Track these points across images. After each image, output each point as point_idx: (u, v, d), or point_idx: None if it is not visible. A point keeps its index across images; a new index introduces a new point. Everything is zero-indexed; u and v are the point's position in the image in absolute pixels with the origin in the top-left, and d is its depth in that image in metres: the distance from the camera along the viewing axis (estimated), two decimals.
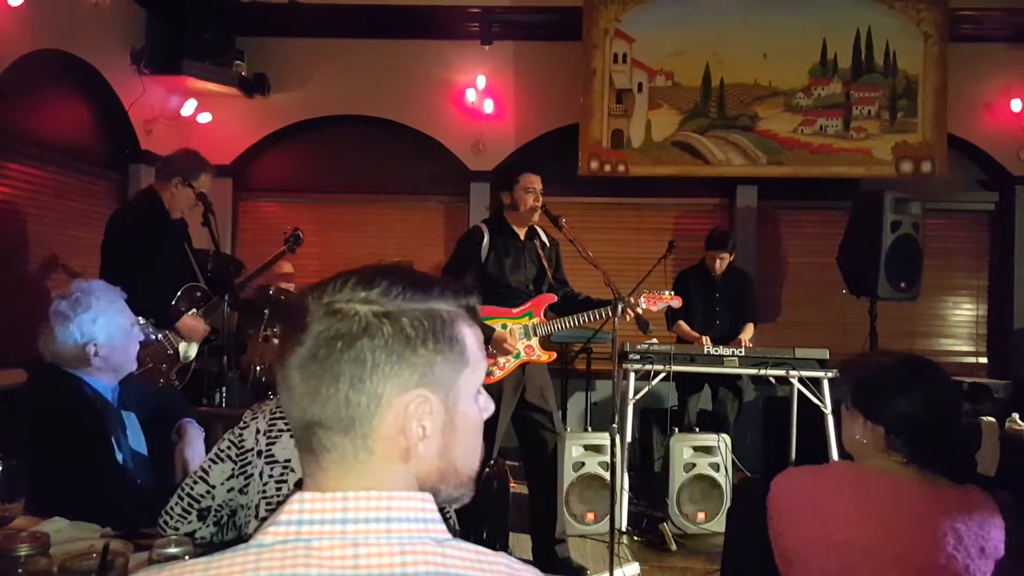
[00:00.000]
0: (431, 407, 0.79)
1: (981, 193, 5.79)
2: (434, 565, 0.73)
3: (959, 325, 5.87)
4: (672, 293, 3.49)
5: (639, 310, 3.28)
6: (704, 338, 4.53)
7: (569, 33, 5.49)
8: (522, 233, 3.44)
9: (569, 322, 3.37)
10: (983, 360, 5.83)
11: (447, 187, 5.89)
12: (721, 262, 4.73)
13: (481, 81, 5.65)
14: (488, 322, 3.29)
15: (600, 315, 3.33)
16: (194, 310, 3.48)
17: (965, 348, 5.87)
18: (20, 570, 1.27)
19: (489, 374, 3.27)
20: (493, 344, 3.26)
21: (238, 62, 5.40)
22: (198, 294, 3.56)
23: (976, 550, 1.46)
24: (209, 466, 1.64)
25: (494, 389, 3.28)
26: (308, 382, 0.78)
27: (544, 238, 3.52)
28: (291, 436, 1.40)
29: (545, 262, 3.44)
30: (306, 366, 0.78)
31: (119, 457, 1.95)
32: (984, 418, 4.43)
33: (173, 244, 3.52)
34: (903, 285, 4.89)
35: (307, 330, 0.78)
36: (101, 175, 4.96)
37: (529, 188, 3.34)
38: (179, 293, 3.49)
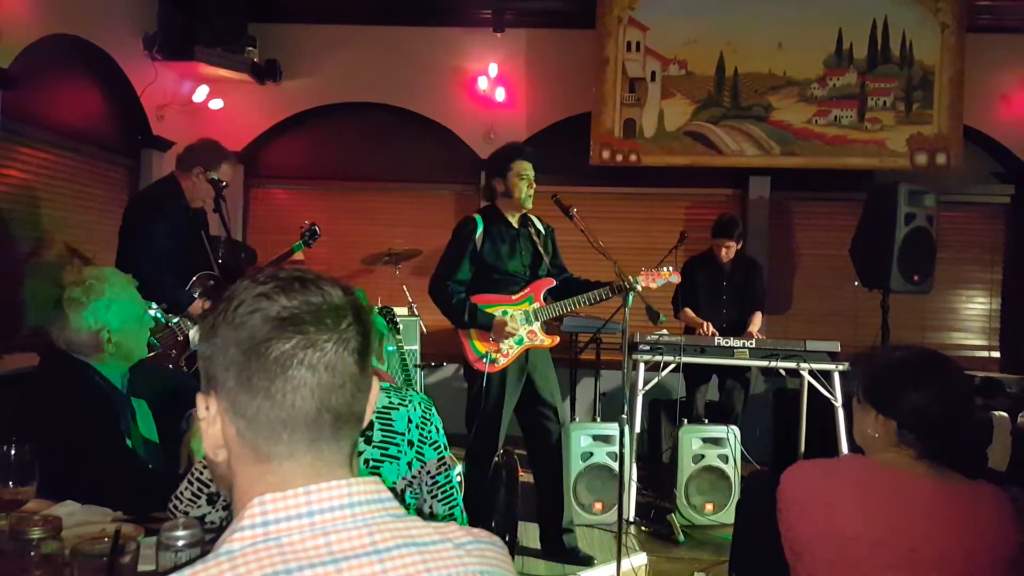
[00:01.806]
0: None
1: (996, 186, 5.73)
2: (400, 537, 0.78)
3: (972, 319, 5.83)
4: (671, 269, 3.47)
5: (638, 288, 3.26)
6: (707, 324, 4.51)
7: (582, 21, 5.45)
8: (515, 220, 3.43)
9: (570, 304, 3.36)
10: (996, 355, 5.78)
11: (458, 175, 5.88)
12: (727, 251, 4.68)
13: (493, 69, 5.62)
14: (488, 309, 3.30)
15: (600, 296, 3.33)
16: (206, 297, 3.49)
17: (978, 342, 5.82)
18: (32, 552, 1.28)
19: (493, 362, 3.27)
20: (494, 330, 3.26)
21: (250, 48, 5.40)
22: (211, 282, 3.58)
23: (988, 546, 1.45)
24: None
25: (497, 378, 3.29)
26: (365, 373, 0.82)
27: (539, 225, 3.52)
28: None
29: (541, 248, 3.44)
30: (364, 358, 0.82)
31: (128, 443, 1.96)
32: (996, 413, 4.41)
33: (190, 232, 3.53)
34: (916, 278, 4.86)
35: (353, 322, 0.81)
36: (113, 160, 4.98)
37: (522, 175, 3.33)
38: (192, 280, 3.50)
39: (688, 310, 4.67)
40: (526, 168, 3.34)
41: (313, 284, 0.81)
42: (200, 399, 0.83)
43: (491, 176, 3.43)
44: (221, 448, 0.82)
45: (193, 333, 3.45)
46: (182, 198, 3.49)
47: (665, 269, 3.46)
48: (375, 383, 0.86)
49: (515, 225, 3.43)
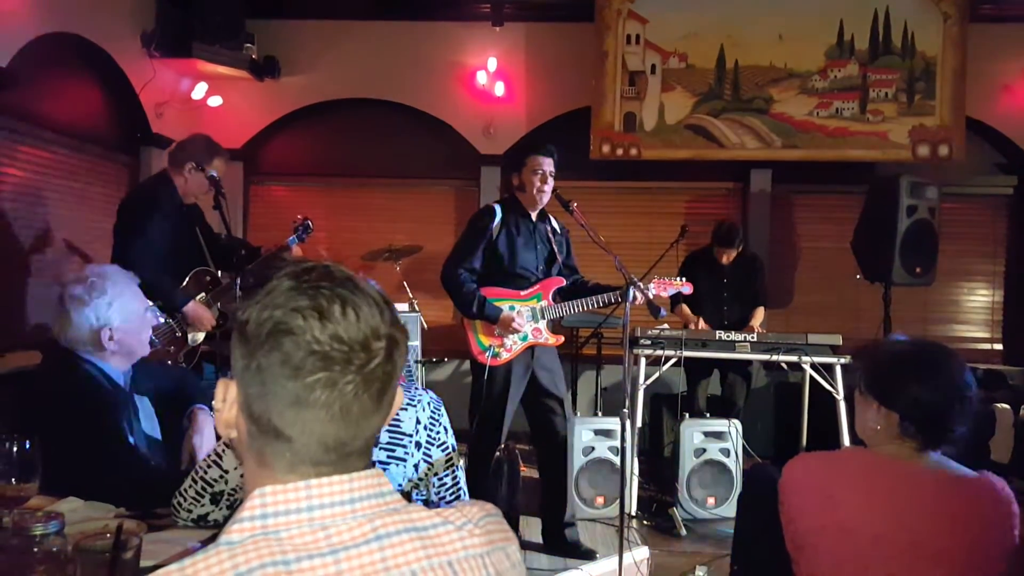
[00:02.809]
0: None
1: (999, 177, 5.71)
2: (402, 523, 0.79)
3: (974, 311, 5.82)
4: (683, 279, 3.47)
5: (650, 295, 3.26)
6: (699, 319, 4.52)
7: (581, 14, 5.43)
8: (533, 216, 3.43)
9: (577, 306, 3.36)
10: (998, 347, 5.77)
11: (457, 171, 5.87)
12: (727, 256, 4.70)
13: (492, 63, 5.61)
14: (496, 303, 3.29)
15: (609, 299, 3.33)
16: (202, 295, 3.49)
17: (980, 334, 5.81)
18: (35, 549, 1.28)
19: (496, 356, 3.27)
20: (500, 325, 3.26)
21: (248, 45, 5.38)
22: (207, 278, 3.57)
23: (989, 538, 1.45)
24: (223, 450, 1.65)
25: (502, 372, 3.29)
26: (380, 409, 0.81)
27: (555, 224, 3.51)
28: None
29: (555, 247, 3.43)
30: (384, 394, 0.81)
31: (131, 440, 1.97)
32: (998, 405, 4.41)
33: (184, 229, 3.52)
34: (918, 270, 4.85)
35: (382, 362, 0.79)
36: (112, 158, 4.97)
37: (536, 170, 3.31)
38: (188, 277, 3.50)
39: (684, 306, 4.66)
40: (540, 163, 3.31)
41: (354, 310, 0.78)
42: (221, 384, 0.83)
43: (509, 170, 3.44)
44: (232, 429, 0.83)
45: (192, 332, 3.46)
46: (175, 194, 3.49)
47: (678, 279, 3.46)
48: (399, 394, 0.86)
49: (533, 219, 3.42)
